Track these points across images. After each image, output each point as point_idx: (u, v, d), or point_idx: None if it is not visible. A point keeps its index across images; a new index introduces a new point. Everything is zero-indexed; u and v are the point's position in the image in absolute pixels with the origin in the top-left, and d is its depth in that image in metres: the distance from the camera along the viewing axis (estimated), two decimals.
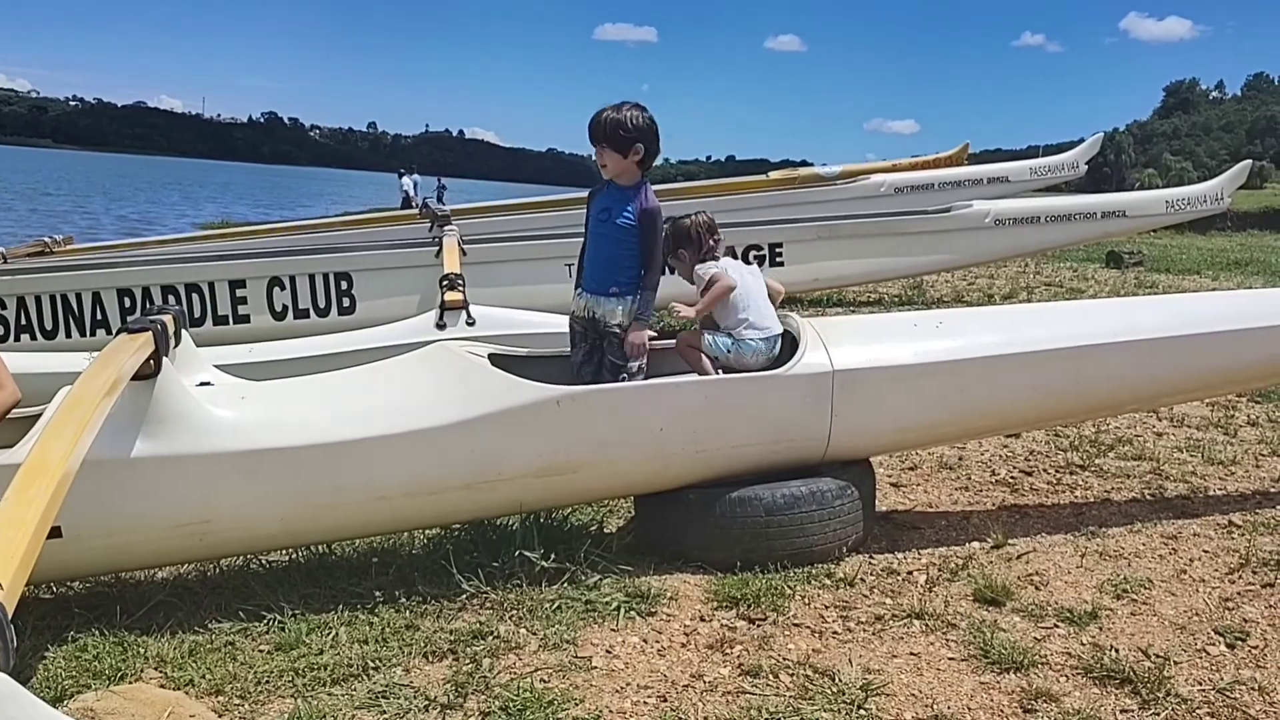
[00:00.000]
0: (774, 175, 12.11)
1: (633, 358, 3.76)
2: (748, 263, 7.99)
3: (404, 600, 3.39)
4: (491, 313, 5.54)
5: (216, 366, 3.96)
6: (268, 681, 2.94)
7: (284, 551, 3.71)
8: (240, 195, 57.94)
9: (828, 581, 3.53)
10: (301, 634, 3.19)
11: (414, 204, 27.96)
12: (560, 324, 5.47)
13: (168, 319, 3.30)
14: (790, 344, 3.74)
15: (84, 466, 3.06)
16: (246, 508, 3.26)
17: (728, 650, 3.11)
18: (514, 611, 3.33)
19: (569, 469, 3.49)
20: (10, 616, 1.79)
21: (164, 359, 3.15)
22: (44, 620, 3.30)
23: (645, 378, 3.75)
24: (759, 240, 8.01)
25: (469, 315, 5.49)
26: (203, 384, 3.47)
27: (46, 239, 9.99)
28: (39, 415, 3.32)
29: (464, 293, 5.57)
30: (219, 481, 3.19)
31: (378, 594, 3.40)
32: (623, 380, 3.69)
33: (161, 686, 2.90)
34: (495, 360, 3.67)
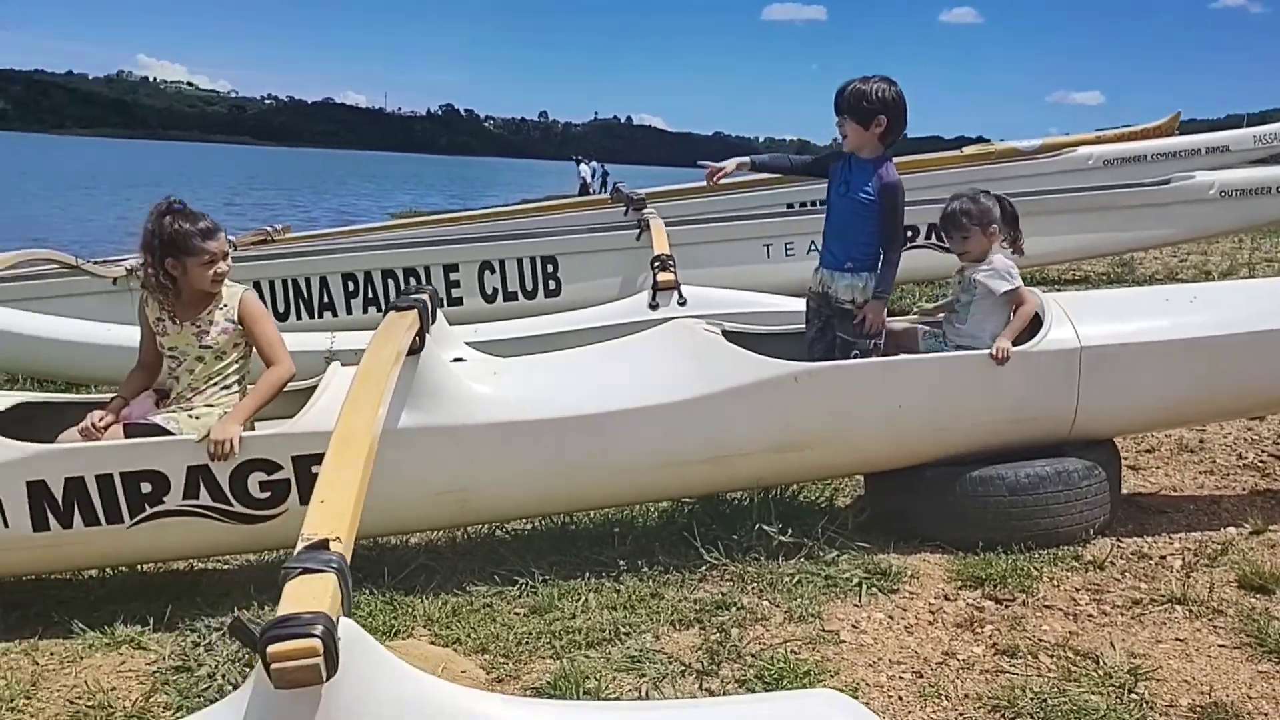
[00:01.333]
0: (968, 150, 11.73)
1: (869, 335, 3.73)
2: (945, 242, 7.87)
3: (646, 569, 3.49)
4: (702, 292, 5.61)
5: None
6: (527, 642, 3.09)
7: (526, 520, 3.88)
8: (430, 186, 60.47)
9: (1076, 564, 3.43)
10: (554, 599, 3.33)
11: (591, 191, 28.47)
12: (770, 302, 5.51)
13: (426, 297, 3.48)
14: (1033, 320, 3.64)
15: None
16: (501, 477, 3.42)
17: (978, 629, 3.07)
18: (754, 584, 3.38)
19: (805, 445, 3.51)
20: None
21: (427, 335, 3.33)
22: None
23: (881, 354, 3.72)
24: None
25: (680, 295, 5.57)
26: (456, 360, 3.65)
27: (268, 228, 10.65)
28: (311, 389, 3.58)
29: (675, 273, 5.64)
30: (477, 452, 3.36)
31: (621, 563, 3.52)
32: (854, 357, 3.68)
33: (431, 643, 3.10)
34: (729, 337, 3.71)
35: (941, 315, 3.93)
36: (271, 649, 1.68)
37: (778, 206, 9.34)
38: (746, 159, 4.09)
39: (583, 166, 29.71)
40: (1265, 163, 11.88)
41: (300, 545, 1.93)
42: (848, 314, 3.77)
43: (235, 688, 2.87)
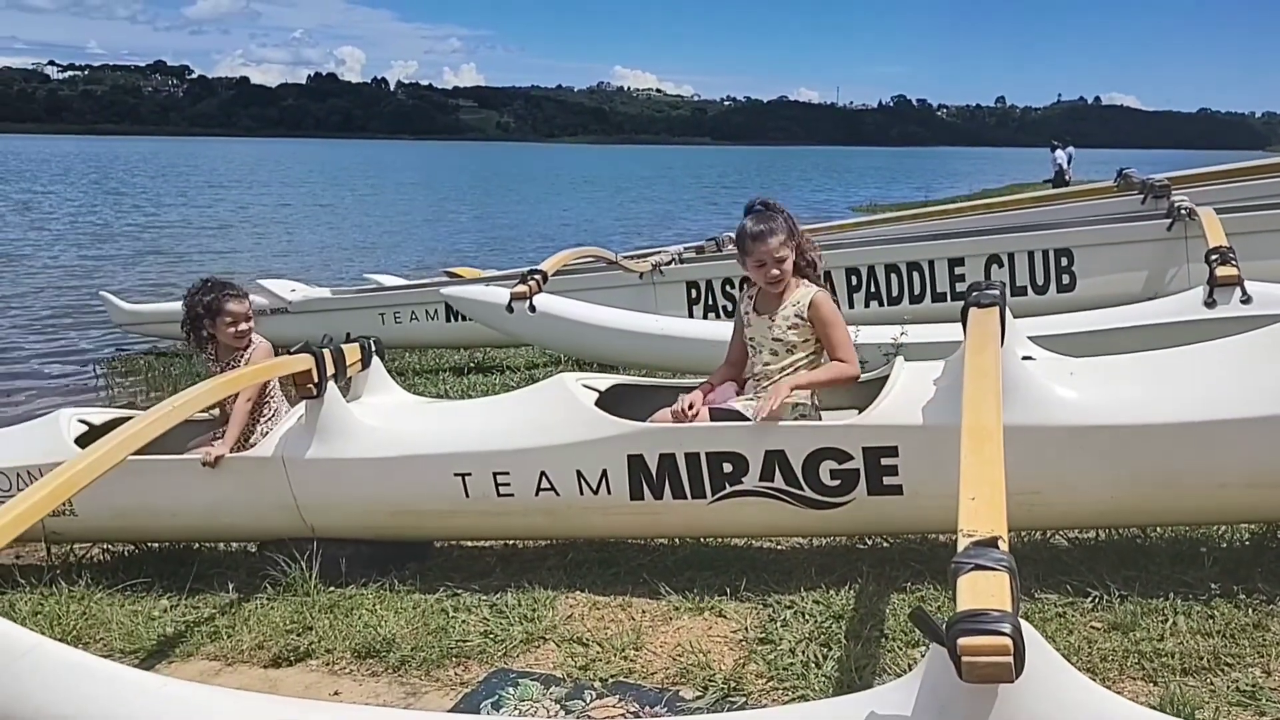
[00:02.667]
0: None
1: None
2: None
3: (1243, 597, 3.15)
4: (1272, 289, 4.97)
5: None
6: (1112, 660, 2.92)
7: (1089, 530, 3.67)
8: (891, 179, 60.36)
9: None
10: (1135, 616, 3.11)
11: (1068, 177, 26.60)
12: None
13: (998, 293, 3.40)
14: None
15: (926, 432, 3.32)
16: (1077, 483, 3.25)
17: None
18: None
19: None
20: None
21: (1005, 331, 3.25)
22: (875, 568, 3.62)
23: None
24: None
25: (1244, 292, 4.97)
26: (1025, 358, 3.53)
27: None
28: (877, 381, 3.64)
29: (1238, 267, 5.05)
30: (1053, 455, 3.22)
31: (1212, 586, 3.21)
32: None
33: None
34: None
35: None
36: (963, 642, 1.70)
37: None
38: None
39: (1059, 152, 27.87)
40: None
41: (964, 542, 1.94)
42: None
43: (819, 666, 3.02)
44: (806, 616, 3.33)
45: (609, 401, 3.85)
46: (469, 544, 4.29)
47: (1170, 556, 3.43)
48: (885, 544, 3.83)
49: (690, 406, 3.58)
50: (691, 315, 7.89)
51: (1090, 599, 3.25)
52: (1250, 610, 3.10)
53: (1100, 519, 3.46)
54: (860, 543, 3.87)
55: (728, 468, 3.51)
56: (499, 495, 3.73)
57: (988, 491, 2.09)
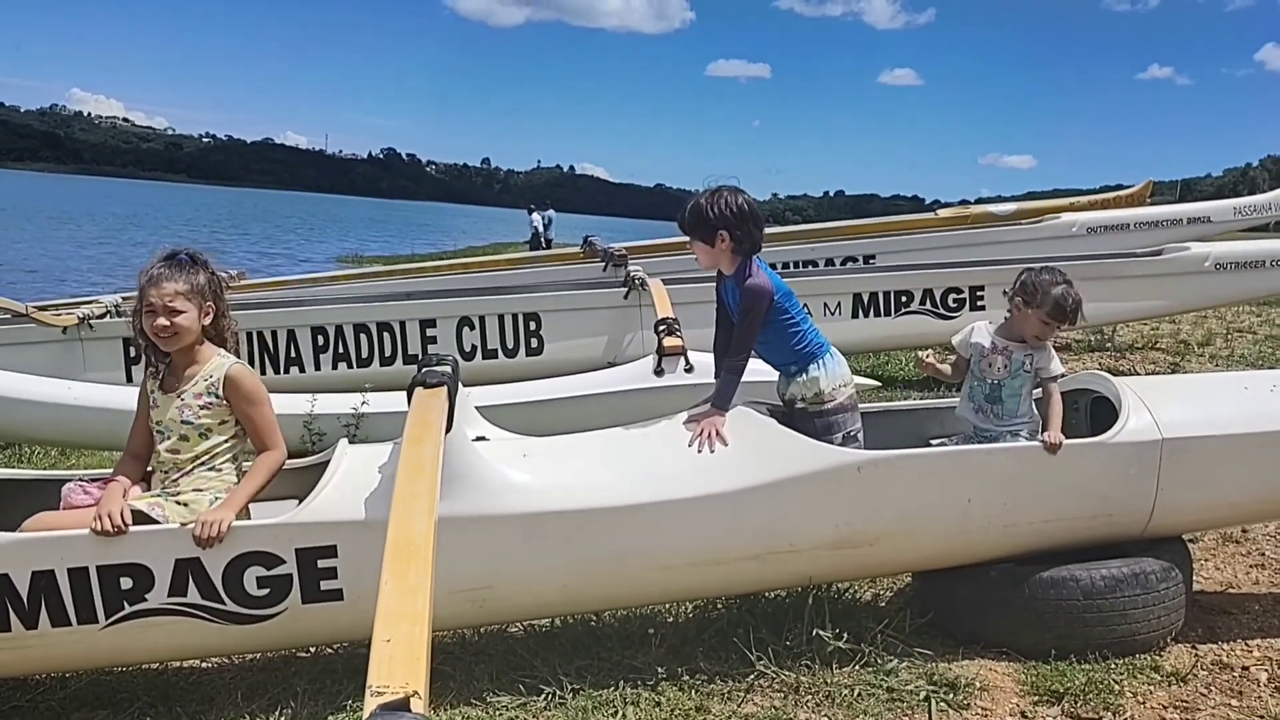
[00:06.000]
0: (943, 213, 11.67)
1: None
2: (948, 308, 7.66)
3: (686, 678, 3.14)
4: (710, 360, 5.29)
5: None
6: None
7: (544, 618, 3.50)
8: (387, 231, 59.43)
9: (1156, 676, 3.15)
10: (586, 712, 2.97)
11: (544, 241, 28.15)
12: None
13: (450, 369, 3.13)
14: (1107, 408, 3.39)
15: (368, 528, 2.93)
16: (528, 574, 3.06)
17: None
18: (810, 697, 3.05)
19: (865, 541, 3.20)
20: None
21: (454, 415, 2.98)
22: (314, 684, 3.15)
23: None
24: (958, 283, 7.56)
25: (688, 361, 5.24)
26: (478, 439, 3.29)
27: (222, 274, 10.15)
28: (316, 466, 3.19)
29: (682, 338, 5.33)
30: (505, 545, 3.00)
31: (659, 670, 3.16)
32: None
33: None
34: (779, 418, 3.40)
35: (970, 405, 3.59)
36: None
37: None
38: None
39: (535, 215, 29.40)
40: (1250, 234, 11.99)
41: (370, 705, 1.57)
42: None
43: None
44: None
45: None
46: None
47: (620, 640, 3.35)
48: (328, 652, 3.37)
49: (109, 516, 2.81)
50: (130, 379, 6.81)
51: (544, 696, 3.06)
52: (693, 692, 3.08)
53: (555, 608, 3.30)
54: (301, 654, 3.36)
55: (126, 584, 2.84)
56: None
57: (407, 630, 1.74)
